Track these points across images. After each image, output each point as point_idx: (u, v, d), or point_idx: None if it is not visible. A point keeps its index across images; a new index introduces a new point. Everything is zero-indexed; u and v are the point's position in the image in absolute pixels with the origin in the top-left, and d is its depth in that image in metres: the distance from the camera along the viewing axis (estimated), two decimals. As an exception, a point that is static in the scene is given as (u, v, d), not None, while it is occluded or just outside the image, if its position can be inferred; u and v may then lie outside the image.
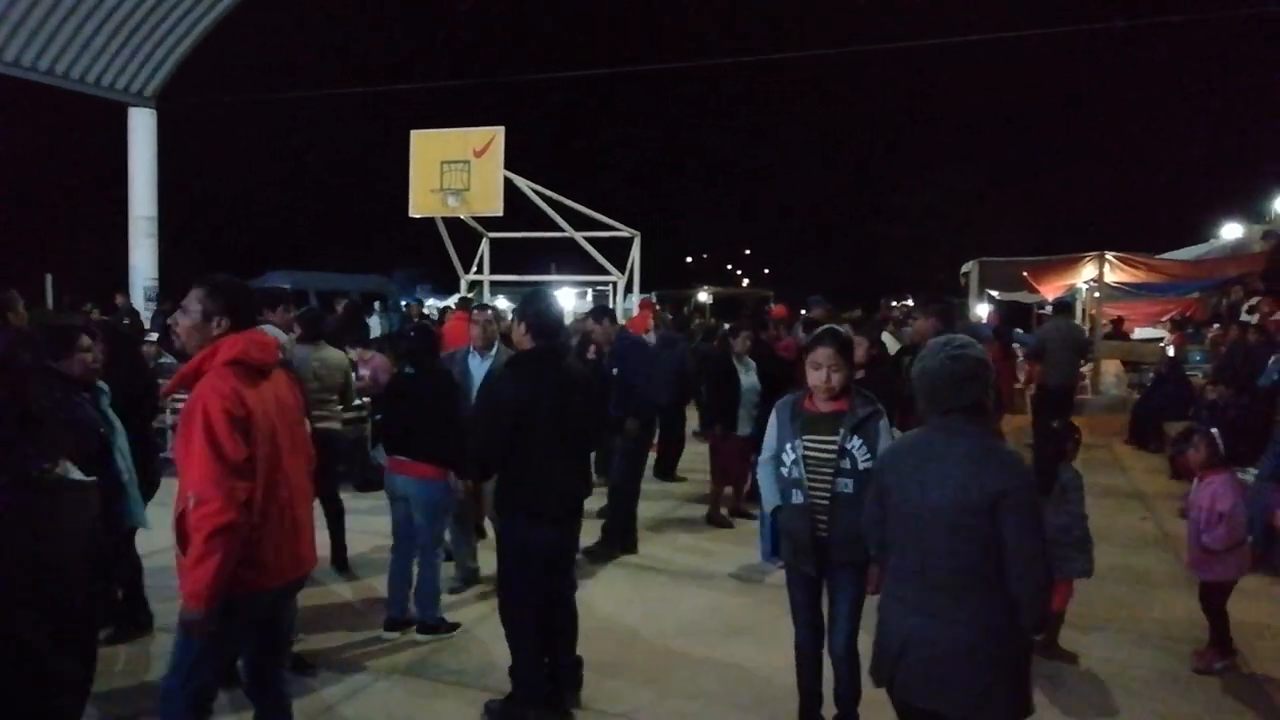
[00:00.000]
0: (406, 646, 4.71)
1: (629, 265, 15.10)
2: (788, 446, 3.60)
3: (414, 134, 14.03)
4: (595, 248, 14.81)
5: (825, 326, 3.85)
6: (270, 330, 3.12)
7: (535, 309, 3.90)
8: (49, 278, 17.00)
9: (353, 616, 5.15)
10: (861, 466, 3.46)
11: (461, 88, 19.73)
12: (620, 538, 6.53)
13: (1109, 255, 15.87)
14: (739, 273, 68.09)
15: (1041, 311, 17.62)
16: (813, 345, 3.64)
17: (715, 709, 4.08)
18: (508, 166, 13.69)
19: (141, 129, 18.07)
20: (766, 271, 65.36)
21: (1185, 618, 5.16)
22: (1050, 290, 16.33)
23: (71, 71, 16.84)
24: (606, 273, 14.99)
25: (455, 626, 4.88)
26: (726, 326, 10.14)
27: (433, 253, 18.42)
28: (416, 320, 12.85)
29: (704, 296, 33.84)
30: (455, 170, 13.65)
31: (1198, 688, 4.43)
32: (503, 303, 18.25)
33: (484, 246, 15.66)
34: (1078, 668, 4.62)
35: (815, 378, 3.58)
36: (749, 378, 7.42)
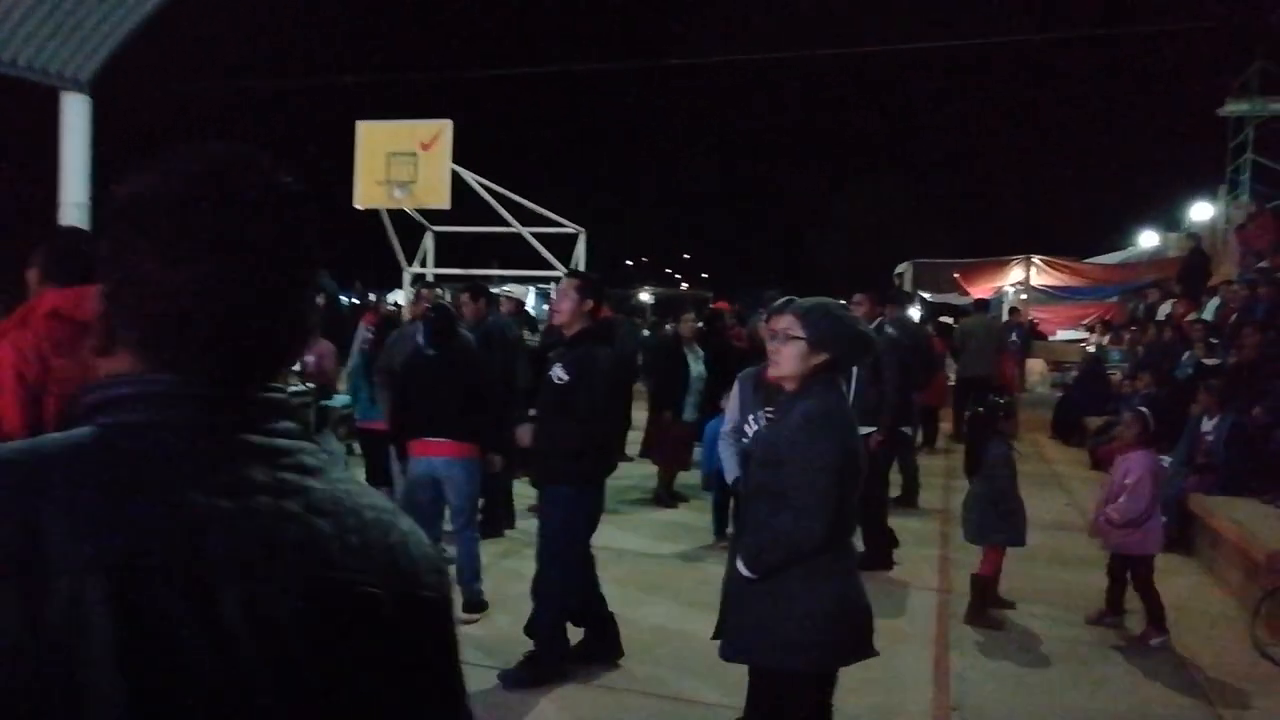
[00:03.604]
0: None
1: (574, 261, 15.24)
2: (750, 418, 3.70)
3: (360, 124, 13.96)
4: (540, 243, 14.92)
5: (786, 297, 4.00)
6: None
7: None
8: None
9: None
10: None
11: (409, 81, 19.60)
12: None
13: (1035, 259, 16.58)
14: (678, 276, 68.74)
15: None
16: (773, 314, 3.67)
17: (677, 676, 4.27)
18: (455, 160, 13.72)
19: (75, 115, 17.61)
20: (705, 276, 66.13)
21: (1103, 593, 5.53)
22: (980, 292, 16.96)
23: (4, 54, 16.33)
24: (552, 268, 15.10)
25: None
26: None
27: (371, 246, 18.31)
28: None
29: (646, 296, 34.14)
30: (402, 162, 13.62)
31: (1123, 657, 4.76)
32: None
33: (428, 240, 15.63)
34: (1007, 637, 4.94)
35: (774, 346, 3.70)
36: (697, 365, 7.65)
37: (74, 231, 3.06)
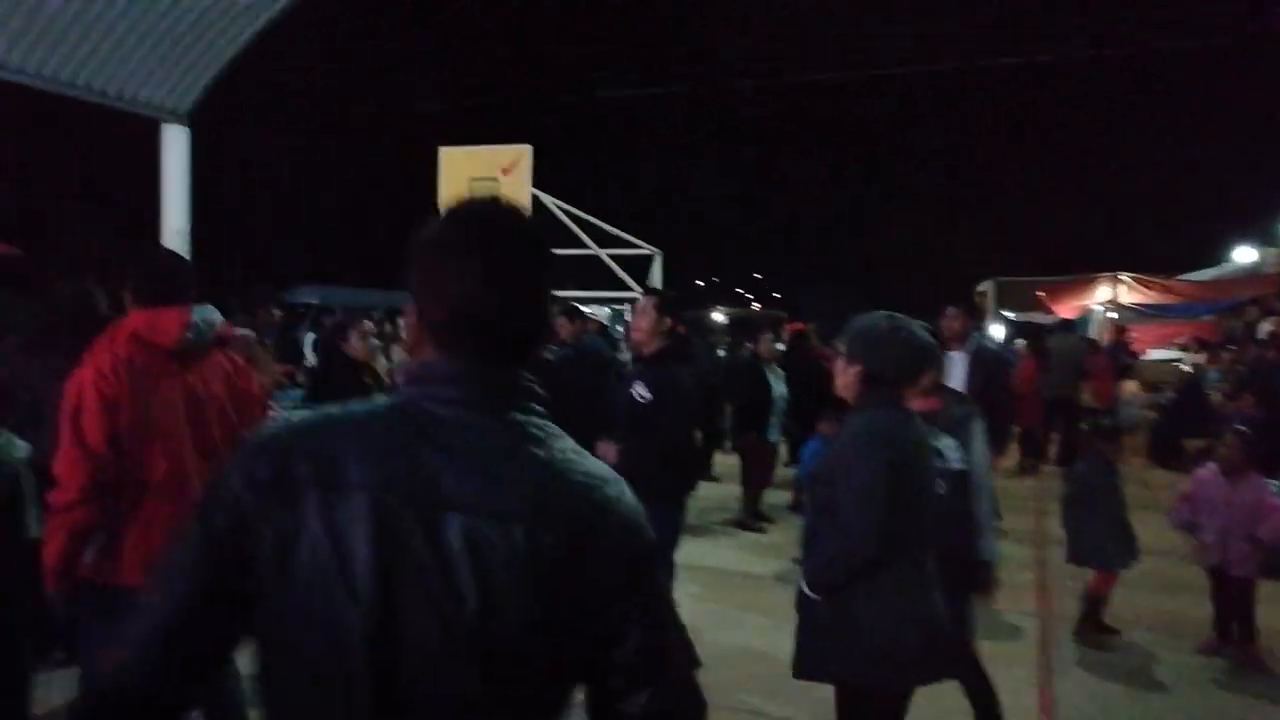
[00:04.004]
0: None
1: (649, 282, 15.35)
2: None
3: (442, 151, 14.33)
4: (617, 264, 15.08)
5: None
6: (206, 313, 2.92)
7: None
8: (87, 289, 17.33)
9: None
10: (955, 467, 3.31)
11: (489, 106, 20.06)
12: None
13: (1124, 276, 16.06)
14: (749, 296, 68.53)
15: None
16: None
17: (759, 693, 4.25)
18: (534, 184, 13.98)
19: (175, 145, 18.46)
20: (777, 296, 65.80)
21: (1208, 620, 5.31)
22: (1065, 311, 16.51)
23: (107, 87, 17.24)
24: (628, 289, 15.23)
25: None
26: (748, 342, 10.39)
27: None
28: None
29: (719, 316, 34.04)
30: (483, 187, 13.92)
31: (1235, 684, 4.59)
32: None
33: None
34: (1112, 662, 4.79)
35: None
36: (779, 386, 7.62)
37: (163, 255, 3.17)
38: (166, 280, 2.87)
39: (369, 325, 5.15)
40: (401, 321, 5.52)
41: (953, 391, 3.63)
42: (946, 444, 3.33)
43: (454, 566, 1.03)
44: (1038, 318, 18.49)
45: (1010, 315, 18.49)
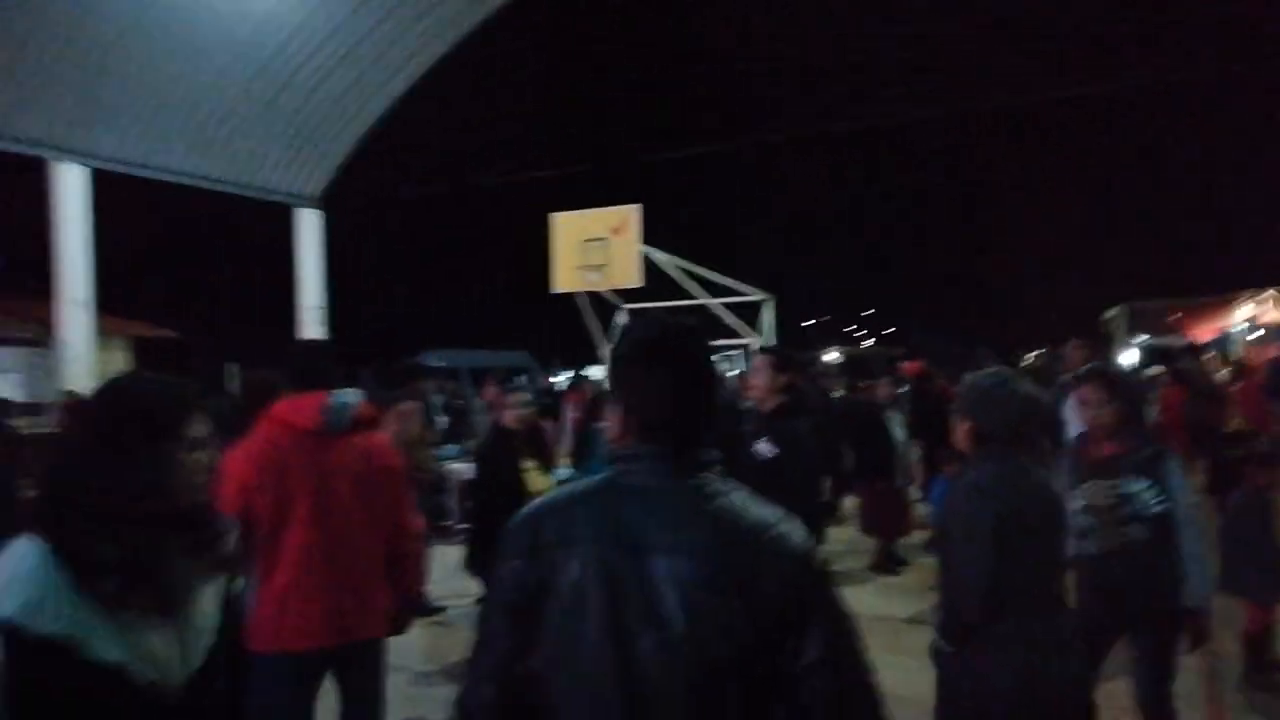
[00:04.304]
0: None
1: (761, 327, 15.42)
2: (1073, 494, 3.48)
3: (554, 216, 14.87)
4: (728, 312, 15.23)
5: (1091, 364, 3.83)
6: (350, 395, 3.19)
7: None
8: (231, 367, 18.58)
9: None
10: (1153, 510, 3.26)
11: (596, 172, 20.73)
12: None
13: (1271, 292, 15.19)
14: (861, 333, 67.38)
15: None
16: (1077, 383, 3.57)
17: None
18: (645, 239, 14.33)
19: (308, 227, 19.76)
20: (890, 331, 64.46)
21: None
22: (1203, 333, 15.71)
23: (248, 179, 18.66)
24: (739, 336, 15.33)
25: None
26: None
27: (563, 328, 19.24)
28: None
29: (833, 357, 33.69)
30: (594, 248, 14.37)
31: None
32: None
33: (620, 318, 16.29)
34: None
35: (1083, 416, 3.50)
36: (897, 430, 7.58)
37: (307, 346, 3.48)
38: (309, 369, 3.21)
39: (523, 396, 5.42)
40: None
41: (1139, 432, 3.49)
42: (1138, 487, 3.25)
43: (662, 596, 1.38)
44: (1173, 341, 17.65)
45: (1144, 340, 17.70)
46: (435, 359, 16.76)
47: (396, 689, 3.93)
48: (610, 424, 1.62)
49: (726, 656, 1.36)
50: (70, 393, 11.33)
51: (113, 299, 18.85)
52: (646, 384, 1.52)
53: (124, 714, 1.48)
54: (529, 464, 5.13)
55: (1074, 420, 6.06)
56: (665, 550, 1.40)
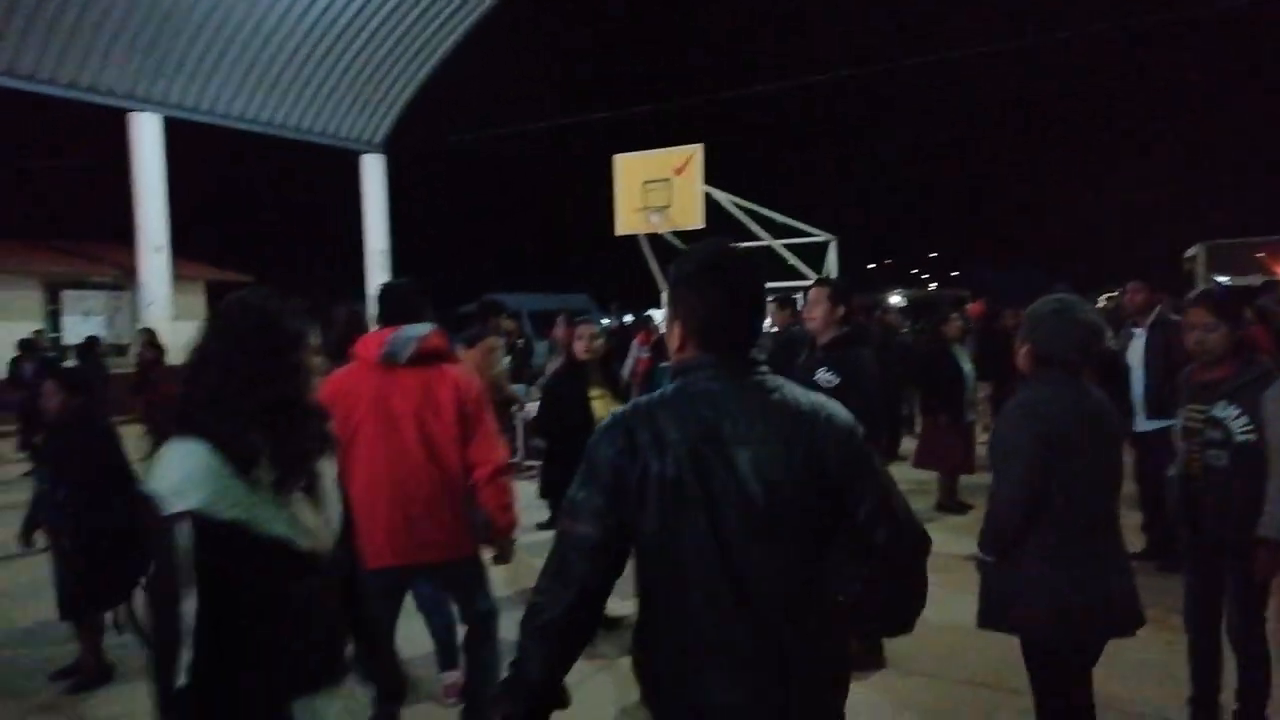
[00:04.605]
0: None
1: (825, 269, 15.23)
2: (1178, 415, 3.45)
3: (616, 158, 14.77)
4: (792, 253, 15.05)
5: (1202, 288, 3.76)
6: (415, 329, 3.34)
7: None
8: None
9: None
10: (1238, 438, 3.18)
11: (659, 111, 20.50)
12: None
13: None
14: (924, 276, 66.07)
15: None
16: (1187, 307, 3.45)
17: (998, 667, 4.25)
18: (706, 179, 14.19)
19: (373, 173, 20.01)
20: (954, 274, 63.07)
21: None
22: (1290, 271, 15.08)
23: (313, 126, 18.89)
24: (804, 278, 15.18)
25: None
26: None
27: (622, 271, 19.26)
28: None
29: (897, 299, 33.19)
30: (657, 189, 14.27)
31: None
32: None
33: (695, 245, 16.23)
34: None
35: (1189, 341, 3.39)
36: (967, 365, 7.48)
37: (398, 285, 3.59)
38: (394, 305, 3.41)
39: (591, 328, 5.46)
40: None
41: (1251, 357, 3.31)
42: (1227, 414, 3.19)
43: (746, 480, 1.66)
44: (1257, 280, 16.96)
45: (1225, 280, 17.06)
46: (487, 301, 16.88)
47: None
48: (670, 337, 1.83)
49: (801, 519, 1.69)
50: (149, 331, 11.78)
51: (188, 244, 19.41)
52: (706, 299, 1.74)
53: (290, 579, 1.73)
54: (596, 392, 5.23)
55: (1135, 363, 5.91)
56: (742, 441, 1.66)
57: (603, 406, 5.14)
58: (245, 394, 1.68)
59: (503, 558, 3.55)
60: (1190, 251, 16.80)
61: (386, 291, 3.53)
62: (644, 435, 1.67)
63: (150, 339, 11.00)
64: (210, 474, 1.61)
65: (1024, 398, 2.70)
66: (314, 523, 1.79)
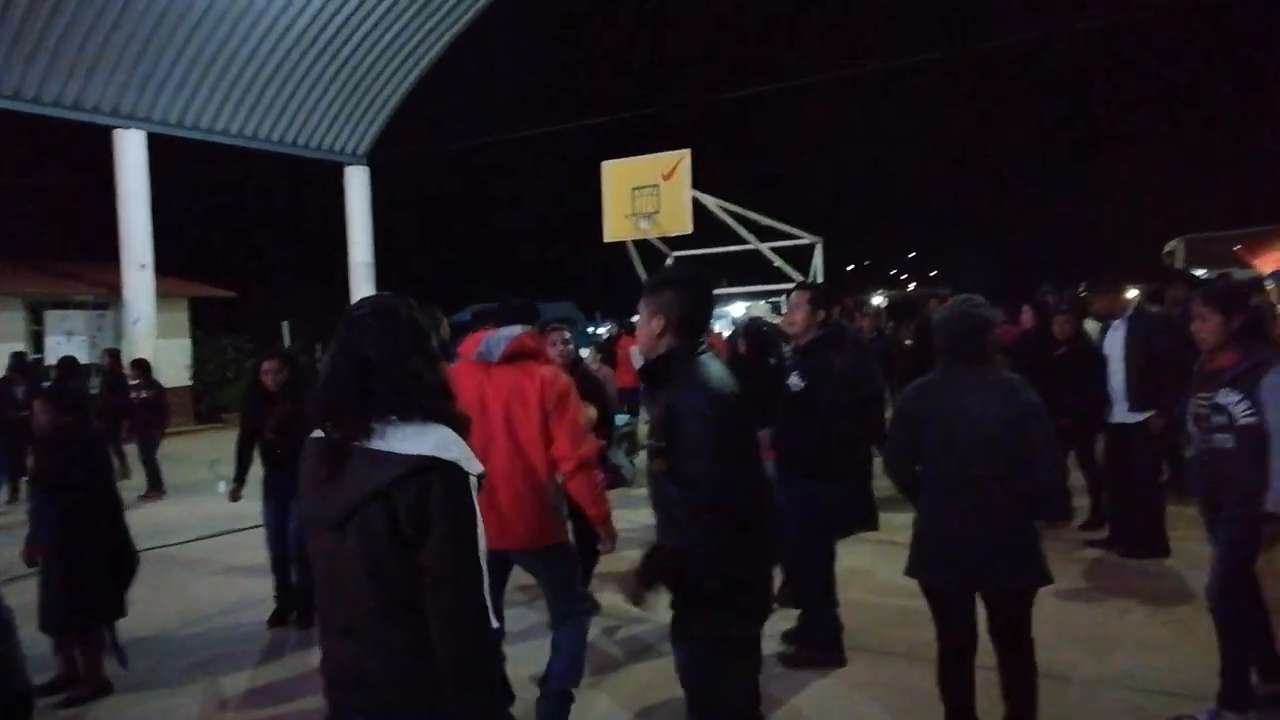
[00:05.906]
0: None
1: (812, 271, 15.35)
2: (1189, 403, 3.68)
3: (605, 164, 14.84)
4: (778, 256, 15.16)
5: (1213, 279, 3.97)
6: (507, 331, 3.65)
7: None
8: (284, 324, 18.95)
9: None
10: (1241, 422, 3.38)
11: (645, 116, 20.59)
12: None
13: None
14: (903, 276, 66.46)
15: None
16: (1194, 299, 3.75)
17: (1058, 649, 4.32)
18: (692, 184, 14.28)
19: (356, 184, 19.97)
20: (933, 274, 63.46)
21: None
22: (1267, 265, 15.29)
23: (297, 139, 18.84)
24: (790, 280, 15.27)
25: None
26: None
27: (606, 279, 19.25)
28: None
29: (878, 300, 33.44)
30: (645, 195, 14.35)
31: None
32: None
33: (670, 264, 16.30)
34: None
35: (1194, 330, 3.63)
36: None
37: (508, 300, 3.89)
38: (502, 311, 3.76)
39: (563, 334, 5.46)
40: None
41: (1252, 344, 3.49)
42: (1229, 399, 3.40)
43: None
44: (1234, 273, 17.16)
45: (1200, 273, 17.29)
46: (480, 310, 16.90)
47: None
48: (647, 330, 2.59)
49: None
50: (112, 351, 12.42)
51: (171, 261, 19.29)
52: (691, 301, 2.56)
53: None
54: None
55: (1115, 355, 6.04)
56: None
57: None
58: (422, 378, 1.89)
59: (606, 546, 3.75)
60: (1169, 246, 17.00)
61: (501, 305, 3.83)
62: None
63: (109, 359, 11.83)
64: (461, 443, 1.86)
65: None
66: None
